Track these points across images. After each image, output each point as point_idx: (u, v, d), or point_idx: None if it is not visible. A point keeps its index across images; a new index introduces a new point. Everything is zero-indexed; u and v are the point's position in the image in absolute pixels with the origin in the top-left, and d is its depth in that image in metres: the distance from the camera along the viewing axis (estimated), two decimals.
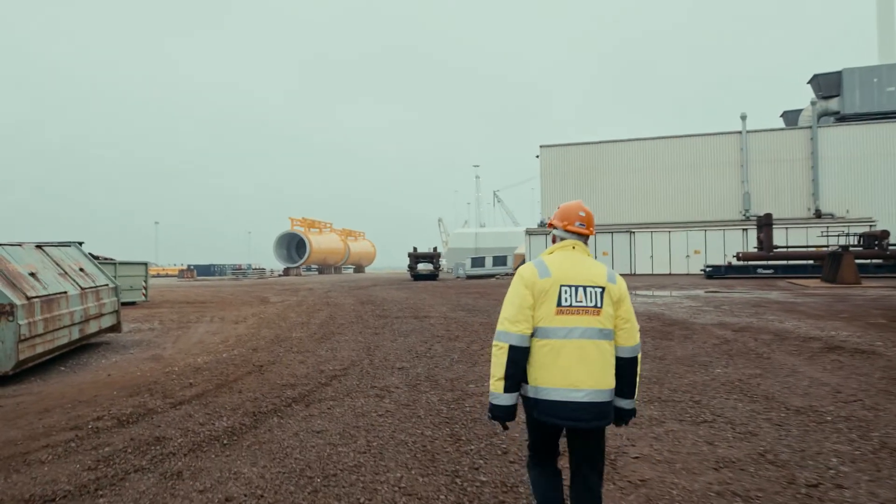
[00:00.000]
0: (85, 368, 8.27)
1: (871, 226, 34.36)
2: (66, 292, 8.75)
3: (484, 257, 48.41)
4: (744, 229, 37.34)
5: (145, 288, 22.46)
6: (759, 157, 40.62)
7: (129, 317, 15.82)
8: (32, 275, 8.16)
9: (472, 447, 4.46)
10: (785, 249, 31.29)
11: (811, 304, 15.51)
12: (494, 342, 2.54)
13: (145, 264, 22.91)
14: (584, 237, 2.73)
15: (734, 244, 36.68)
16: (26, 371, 7.76)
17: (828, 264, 25.67)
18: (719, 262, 35.18)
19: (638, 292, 20.80)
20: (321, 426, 5.03)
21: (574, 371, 2.43)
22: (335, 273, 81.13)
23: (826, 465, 3.96)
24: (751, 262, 31.57)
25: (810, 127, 39.79)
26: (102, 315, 10.18)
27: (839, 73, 41.36)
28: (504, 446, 4.47)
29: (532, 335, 2.50)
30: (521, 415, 2.71)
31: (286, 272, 72.60)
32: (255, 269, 79.55)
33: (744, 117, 40.78)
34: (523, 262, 39.41)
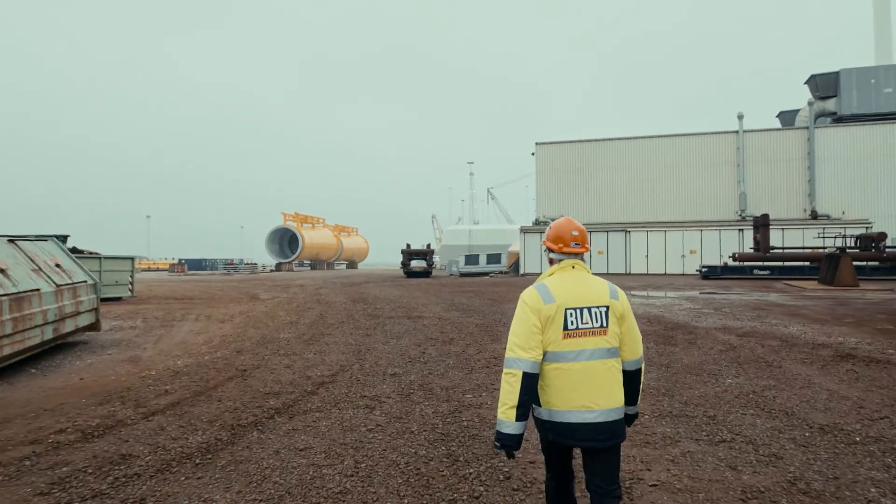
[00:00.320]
0: (57, 371, 7.79)
1: (867, 227, 34.17)
2: (38, 290, 8.25)
3: (478, 255, 48.01)
4: (740, 229, 37.10)
5: (131, 283, 21.93)
6: (756, 156, 40.40)
7: (112, 313, 15.32)
8: (1, 271, 7.67)
9: (472, 470, 4.04)
10: (781, 251, 31.05)
11: (813, 307, 15.20)
12: (506, 370, 2.48)
13: (132, 259, 22.35)
14: (580, 255, 2.73)
15: (730, 244, 36.42)
16: None
17: (825, 266, 25.41)
18: (715, 262, 34.92)
19: (634, 293, 20.44)
20: (305, 442, 4.59)
21: (586, 392, 2.44)
22: (328, 269, 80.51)
23: (865, 496, 3.56)
24: (747, 263, 31.32)
25: (807, 127, 39.59)
26: (79, 313, 9.69)
27: (836, 74, 41.16)
28: (507, 470, 4.04)
29: (541, 359, 2.49)
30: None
31: (278, 267, 71.96)
32: (247, 264, 78.99)
33: (741, 117, 40.53)
34: (518, 260, 39.07)
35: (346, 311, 15.32)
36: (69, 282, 9.53)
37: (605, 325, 2.52)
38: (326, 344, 9.58)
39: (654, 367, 7.45)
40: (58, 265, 9.61)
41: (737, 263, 31.49)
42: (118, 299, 20.90)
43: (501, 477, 3.92)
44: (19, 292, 7.71)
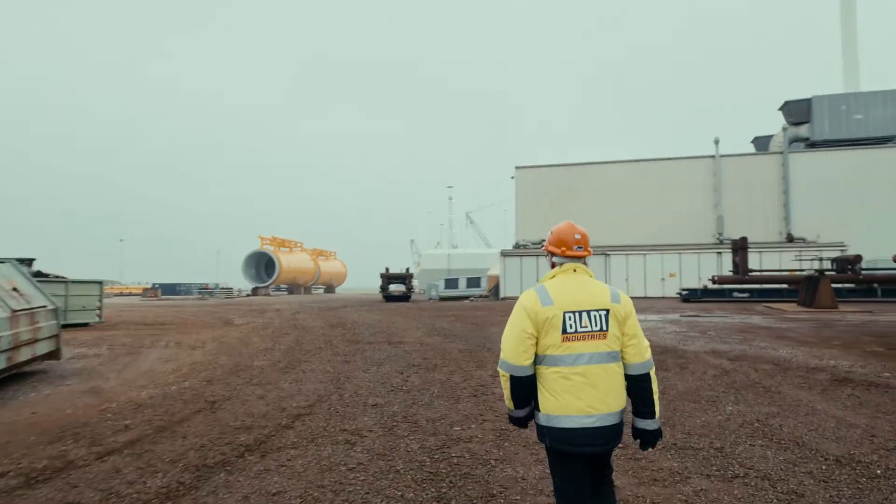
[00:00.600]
0: (7, 404, 7.16)
1: (841, 250, 34.62)
2: None
3: (458, 279, 47.60)
4: (718, 252, 37.35)
5: (99, 308, 21.07)
6: (733, 181, 40.95)
7: (76, 340, 14.57)
8: None
9: None
10: (760, 273, 31.22)
11: (797, 329, 15.07)
12: (498, 368, 2.59)
13: (100, 283, 21.52)
14: (582, 258, 2.71)
15: (708, 267, 36.61)
16: None
17: (804, 289, 25.53)
18: (694, 285, 35.04)
19: None
20: (278, 486, 4.12)
21: (584, 397, 2.42)
22: (305, 293, 79.38)
23: None
24: (726, 286, 31.41)
25: (782, 152, 40.29)
26: (38, 340, 9.06)
27: (809, 101, 42.14)
28: None
29: (540, 362, 2.50)
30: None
31: (255, 292, 70.71)
32: (223, 288, 77.55)
33: (717, 141, 41.17)
34: (497, 284, 38.76)
35: (324, 336, 14.78)
36: (27, 307, 8.92)
37: (604, 328, 2.49)
38: (303, 372, 9.07)
39: None
40: (15, 289, 9.00)
41: (716, 286, 31.56)
42: (85, 325, 20.04)
43: None
44: None
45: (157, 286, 77.91)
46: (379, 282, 43.76)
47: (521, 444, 5.07)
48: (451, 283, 47.00)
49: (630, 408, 2.63)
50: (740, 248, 30.85)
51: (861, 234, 37.50)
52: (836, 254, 32.59)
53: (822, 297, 23.74)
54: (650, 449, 2.71)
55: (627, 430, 2.70)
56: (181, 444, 5.15)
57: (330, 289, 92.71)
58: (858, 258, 28.87)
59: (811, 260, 30.20)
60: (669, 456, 4.72)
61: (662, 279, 37.86)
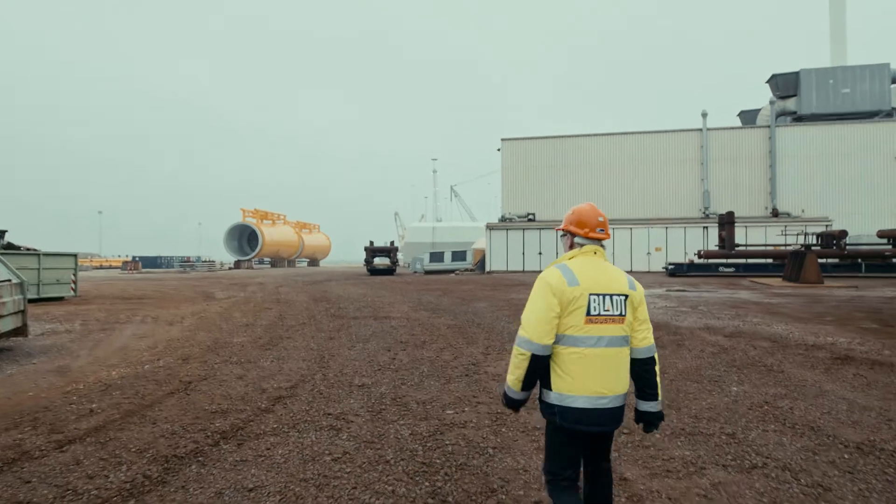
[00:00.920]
0: None
1: (826, 225, 34.73)
2: None
3: (443, 252, 47.21)
4: (704, 227, 37.30)
5: (74, 282, 20.38)
6: (719, 154, 40.74)
7: (49, 315, 13.99)
8: None
9: None
10: (746, 248, 31.21)
11: (789, 305, 14.93)
12: (516, 346, 2.50)
13: (74, 256, 20.79)
14: (601, 241, 2.72)
15: (695, 242, 36.58)
16: None
17: (790, 263, 25.52)
18: (680, 259, 35.03)
19: None
20: (256, 479, 3.72)
21: (601, 379, 2.45)
22: (289, 266, 78.57)
23: None
24: (712, 261, 31.39)
25: (769, 126, 40.07)
26: (1, 316, 8.52)
27: (797, 74, 41.85)
28: None
29: (557, 342, 2.48)
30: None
31: (237, 265, 69.82)
32: (205, 261, 76.39)
33: (705, 115, 40.80)
34: (483, 258, 38.42)
35: (308, 311, 14.35)
36: None
37: (623, 313, 2.53)
38: (285, 349, 8.65)
39: None
40: None
41: (702, 261, 31.54)
42: (60, 299, 19.39)
43: None
44: None
45: (137, 259, 76.36)
46: (363, 255, 43.25)
47: (519, 430, 4.72)
48: (437, 256, 46.63)
49: (632, 391, 2.67)
50: (727, 222, 30.77)
51: (845, 209, 37.66)
52: (820, 229, 32.68)
53: (808, 272, 23.74)
54: (654, 431, 2.72)
55: (629, 415, 2.68)
56: (150, 430, 4.73)
57: (314, 262, 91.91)
58: (843, 233, 28.94)
59: (796, 235, 30.24)
60: (680, 443, 4.40)
61: (648, 253, 37.78)
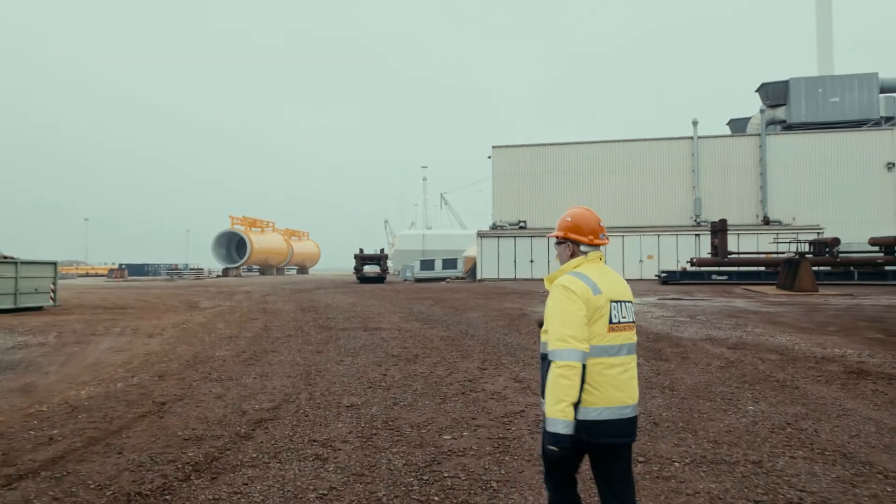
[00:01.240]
0: None
1: (818, 233, 34.68)
2: None
3: (433, 260, 46.76)
4: (696, 234, 37.15)
5: (54, 291, 19.73)
6: (710, 163, 40.67)
7: (24, 326, 13.40)
8: None
9: None
10: (739, 256, 31.04)
11: (787, 314, 14.63)
12: (564, 363, 2.27)
13: (54, 264, 20.15)
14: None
15: (686, 250, 36.40)
16: None
17: (784, 271, 25.32)
18: (672, 267, 34.80)
19: None
20: None
21: (624, 388, 2.39)
22: (277, 274, 77.75)
23: None
24: (705, 268, 31.19)
25: (759, 134, 40.08)
26: None
27: (786, 83, 41.95)
28: None
29: None
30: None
31: (225, 273, 68.88)
32: (193, 269, 75.40)
33: (695, 123, 40.75)
34: (474, 266, 37.95)
35: (295, 321, 13.85)
36: None
37: (633, 319, 2.52)
38: (269, 364, 8.16)
39: (657, 390, 6.40)
40: None
41: (695, 268, 31.33)
42: (38, 309, 18.74)
43: None
44: None
45: (123, 267, 75.29)
46: (353, 263, 42.73)
47: (524, 459, 4.29)
48: (427, 264, 46.17)
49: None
50: (720, 230, 30.59)
51: (835, 217, 37.64)
52: (812, 236, 32.59)
53: (802, 280, 23.53)
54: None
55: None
56: (115, 462, 4.25)
57: (303, 269, 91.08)
58: (836, 241, 28.83)
59: (789, 243, 30.10)
60: (703, 473, 3.98)
61: (640, 261, 37.55)
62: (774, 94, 42.24)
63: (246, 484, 3.82)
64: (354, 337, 10.96)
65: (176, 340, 10.80)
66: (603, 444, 2.37)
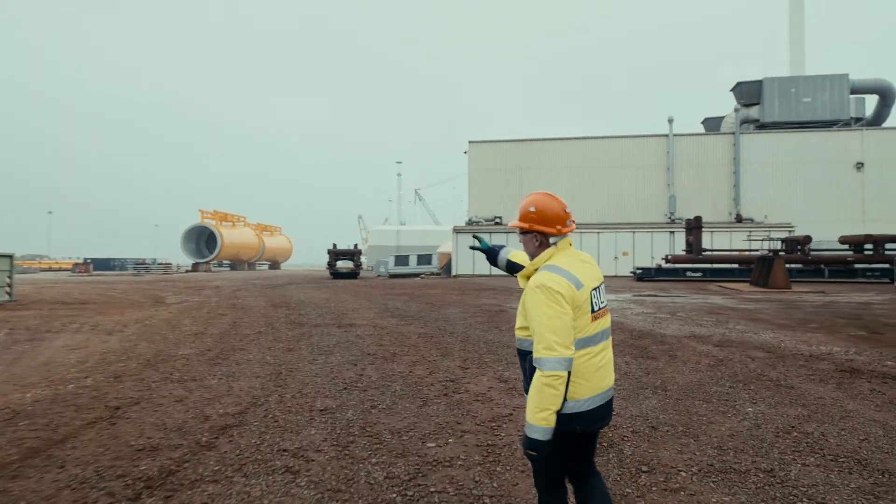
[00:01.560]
0: None
1: (790, 231, 35.12)
2: None
3: (408, 255, 46.20)
4: (671, 232, 37.33)
5: (9, 285, 18.77)
6: (685, 160, 40.92)
7: None
8: None
9: None
10: (713, 253, 31.21)
11: (766, 310, 14.55)
12: (550, 373, 2.15)
13: (10, 257, 19.16)
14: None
15: (661, 247, 36.56)
16: None
17: (758, 268, 25.46)
18: (647, 264, 34.90)
19: None
20: None
21: (606, 372, 2.39)
22: (248, 269, 76.31)
23: None
24: (680, 265, 31.30)
25: (733, 133, 40.46)
26: None
27: (760, 83, 42.39)
28: None
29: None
30: None
31: (195, 268, 67.29)
32: (161, 263, 73.55)
33: (671, 120, 40.95)
34: (449, 261, 37.63)
35: (266, 318, 13.28)
36: None
37: (606, 302, 2.48)
38: (237, 363, 7.64)
39: (649, 390, 6.08)
40: None
41: (670, 265, 31.42)
42: None
43: None
44: None
45: (88, 261, 73.01)
46: (326, 258, 41.99)
47: (517, 469, 3.90)
48: (402, 259, 45.61)
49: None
50: (694, 227, 30.73)
51: (807, 216, 38.19)
52: (784, 234, 32.99)
53: (776, 277, 23.66)
54: None
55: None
56: (54, 478, 3.74)
57: (275, 265, 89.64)
58: (808, 239, 29.18)
59: (762, 240, 30.38)
60: (713, 484, 3.64)
61: (616, 258, 37.60)
62: (749, 93, 42.67)
63: (206, 503, 3.36)
64: (328, 334, 10.47)
65: (137, 338, 10.18)
66: (595, 430, 2.39)
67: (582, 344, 2.29)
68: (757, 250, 29.68)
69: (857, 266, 28.84)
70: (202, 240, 71.57)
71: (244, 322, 12.43)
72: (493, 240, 38.99)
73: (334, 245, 42.72)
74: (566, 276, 2.29)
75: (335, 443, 4.42)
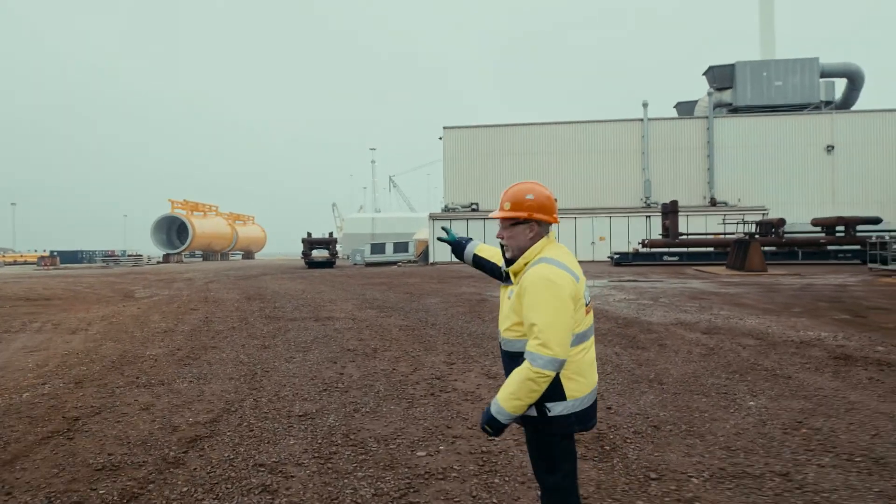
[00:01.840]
0: None
1: (763, 214, 35.48)
2: None
3: (384, 244, 45.66)
4: (647, 216, 37.46)
5: None
6: (659, 145, 41.05)
7: None
8: None
9: None
10: (689, 237, 31.37)
11: (747, 294, 14.52)
12: (539, 370, 2.03)
13: None
14: None
15: (637, 231, 36.67)
16: None
17: (734, 252, 25.61)
18: (623, 248, 34.98)
19: None
20: None
21: (595, 367, 2.32)
22: (221, 260, 74.95)
23: None
24: (657, 250, 31.41)
25: (707, 117, 40.66)
26: None
27: (732, 67, 42.61)
28: None
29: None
30: None
31: (166, 259, 65.81)
32: (131, 255, 71.76)
33: (645, 105, 40.99)
34: (426, 249, 37.25)
35: (239, 312, 12.80)
36: None
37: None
38: (209, 364, 7.21)
39: (644, 384, 5.84)
40: None
41: (647, 250, 31.52)
42: None
43: None
44: None
45: (55, 254, 70.83)
46: (301, 247, 41.27)
47: (517, 481, 3.59)
48: (378, 248, 45.06)
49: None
50: (671, 211, 30.82)
51: (779, 199, 38.66)
52: (757, 217, 33.28)
53: (752, 260, 23.81)
54: None
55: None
56: None
57: (248, 255, 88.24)
58: (782, 222, 29.47)
59: (737, 223, 30.61)
60: (728, 491, 3.38)
61: (593, 243, 37.66)
62: (721, 77, 42.89)
63: None
64: (305, 328, 10.06)
65: (102, 337, 9.64)
66: (588, 429, 2.32)
67: (578, 339, 2.22)
68: (732, 234, 29.89)
69: (829, 248, 29.23)
70: (173, 230, 70.06)
71: (217, 317, 11.94)
72: (471, 226, 38.82)
73: (309, 234, 42.00)
74: (564, 268, 2.19)
75: (316, 454, 4.05)
